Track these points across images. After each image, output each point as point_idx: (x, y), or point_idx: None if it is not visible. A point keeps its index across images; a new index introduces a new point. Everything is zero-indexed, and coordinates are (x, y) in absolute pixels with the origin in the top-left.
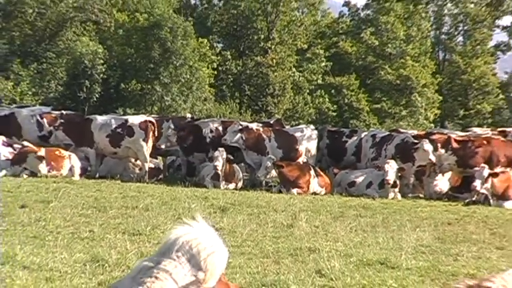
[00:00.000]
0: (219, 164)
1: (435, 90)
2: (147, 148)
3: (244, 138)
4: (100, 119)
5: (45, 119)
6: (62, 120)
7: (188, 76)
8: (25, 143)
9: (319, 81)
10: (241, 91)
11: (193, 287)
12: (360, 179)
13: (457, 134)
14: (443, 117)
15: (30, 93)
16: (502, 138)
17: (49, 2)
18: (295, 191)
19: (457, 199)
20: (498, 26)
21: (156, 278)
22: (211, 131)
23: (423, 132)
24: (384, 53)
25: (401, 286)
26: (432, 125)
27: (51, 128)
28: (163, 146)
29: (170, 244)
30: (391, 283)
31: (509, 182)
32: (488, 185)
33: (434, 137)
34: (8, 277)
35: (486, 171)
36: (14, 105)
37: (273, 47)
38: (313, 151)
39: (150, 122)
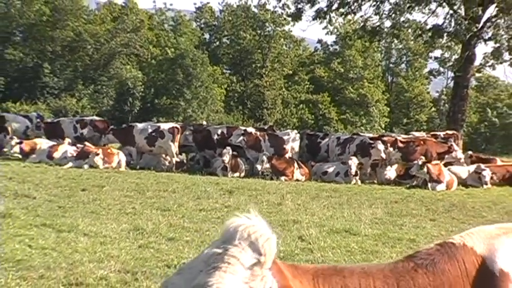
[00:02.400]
0: (227, 158)
1: (385, 104)
2: (174, 147)
3: (245, 139)
4: (140, 125)
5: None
6: (113, 127)
7: (204, 94)
8: (86, 144)
9: (302, 98)
10: (243, 105)
11: (258, 267)
12: (330, 170)
13: (401, 137)
14: (391, 124)
15: (88, 107)
16: (434, 140)
17: (103, 40)
18: (283, 178)
19: (401, 184)
20: (431, 57)
21: (229, 263)
22: (218, 134)
23: (377, 135)
24: (347, 77)
25: (360, 248)
26: (383, 130)
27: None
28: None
29: (232, 233)
30: (353, 246)
31: (440, 170)
32: (425, 170)
33: (385, 138)
34: (72, 241)
35: (422, 161)
36: (78, 116)
37: (267, 72)
38: (296, 149)
39: (176, 127)
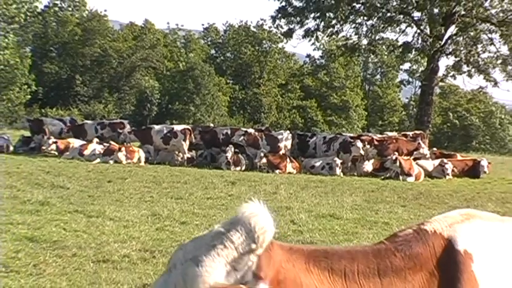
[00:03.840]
0: (229, 154)
1: (363, 108)
2: (185, 145)
3: (245, 139)
4: (156, 127)
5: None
6: (134, 128)
7: (211, 100)
8: (111, 142)
9: (293, 104)
10: (244, 110)
11: (248, 254)
12: (317, 164)
13: (377, 136)
14: (368, 126)
15: (113, 111)
16: (404, 138)
17: (125, 55)
18: (277, 171)
19: (377, 176)
20: (402, 69)
21: (225, 246)
22: (223, 134)
23: (356, 135)
24: (332, 86)
25: (343, 230)
26: (362, 130)
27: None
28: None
29: (238, 218)
30: (336, 228)
31: (410, 164)
32: (397, 164)
33: (363, 138)
34: (100, 225)
35: (394, 156)
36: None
37: (263, 82)
38: (289, 147)
39: (187, 129)
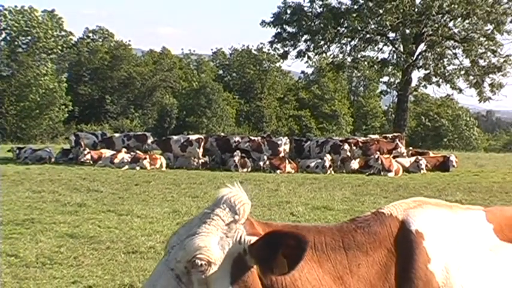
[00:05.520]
0: (237, 158)
1: (350, 116)
2: (200, 152)
3: (250, 144)
4: (175, 137)
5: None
6: (156, 138)
7: (220, 113)
8: (137, 152)
9: (290, 114)
10: (249, 120)
11: (233, 223)
12: (312, 164)
13: (361, 139)
14: (354, 130)
15: (139, 125)
16: (385, 140)
17: (147, 77)
18: (278, 171)
19: (362, 172)
20: (381, 82)
21: (213, 219)
22: (234, 141)
23: (344, 139)
24: (323, 98)
25: (335, 219)
26: (349, 134)
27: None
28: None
29: (220, 198)
30: (329, 218)
31: (390, 162)
32: (379, 162)
33: (350, 141)
34: (129, 222)
35: (377, 155)
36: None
37: (264, 96)
38: (287, 150)
39: (201, 138)
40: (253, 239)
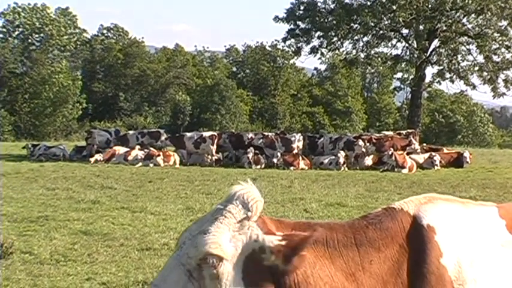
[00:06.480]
0: (251, 155)
1: (363, 112)
2: (213, 148)
3: (264, 141)
4: (188, 134)
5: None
6: (169, 135)
7: (234, 110)
8: (151, 148)
9: (303, 110)
10: (262, 117)
11: (246, 220)
12: (325, 161)
13: (375, 135)
14: (368, 127)
15: (152, 122)
16: (398, 136)
17: (160, 74)
18: (292, 168)
19: (376, 169)
20: (395, 78)
21: (225, 216)
22: (248, 138)
23: (358, 135)
24: (336, 94)
25: (348, 216)
26: (362, 130)
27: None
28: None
29: (232, 195)
30: (343, 214)
31: (404, 158)
32: (393, 158)
33: (364, 137)
34: (143, 219)
35: (391, 151)
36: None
37: (278, 93)
38: (301, 147)
39: (214, 135)
40: (273, 238)
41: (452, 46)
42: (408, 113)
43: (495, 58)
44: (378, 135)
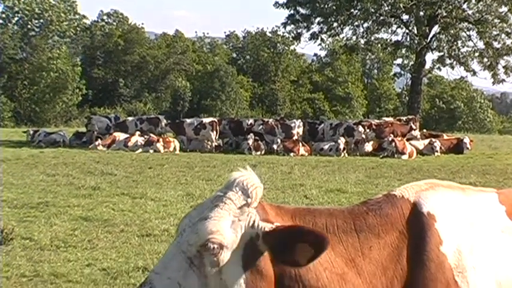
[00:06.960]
0: (251, 141)
1: (363, 98)
2: (213, 134)
3: (264, 127)
4: (188, 120)
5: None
6: (169, 121)
7: (234, 96)
8: (151, 135)
9: (304, 97)
10: (262, 103)
11: (246, 207)
12: (325, 147)
13: (375, 121)
14: (368, 113)
15: (152, 108)
16: (398, 122)
17: (160, 60)
18: (292, 154)
19: (376, 155)
20: (395, 64)
21: (225, 203)
22: (247, 124)
23: (358, 121)
24: (336, 80)
25: (348, 202)
26: (362, 117)
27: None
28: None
29: (232, 181)
30: (343, 201)
31: (404, 144)
32: (393, 144)
33: (363, 123)
34: (143, 205)
35: (391, 137)
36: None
37: (278, 79)
38: (301, 133)
39: (214, 121)
40: (268, 225)
41: (452, 32)
42: (408, 99)
43: (495, 44)
44: (378, 121)
